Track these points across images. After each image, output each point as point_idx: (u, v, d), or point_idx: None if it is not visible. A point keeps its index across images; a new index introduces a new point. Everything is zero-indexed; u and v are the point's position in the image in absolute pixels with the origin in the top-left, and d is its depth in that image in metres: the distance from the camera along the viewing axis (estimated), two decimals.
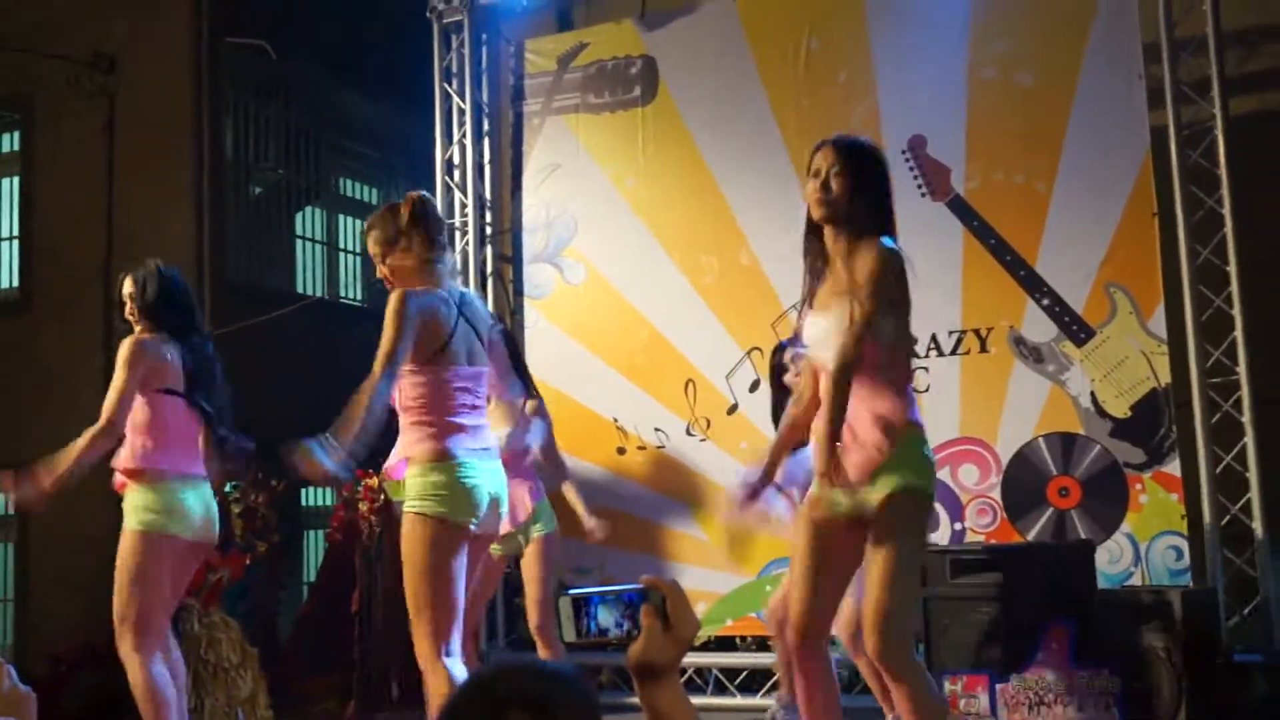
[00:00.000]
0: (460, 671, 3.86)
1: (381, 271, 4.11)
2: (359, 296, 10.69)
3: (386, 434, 4.21)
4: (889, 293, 3.53)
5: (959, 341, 6.27)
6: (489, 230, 7.75)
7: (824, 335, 3.66)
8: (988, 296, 6.23)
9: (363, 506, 6.87)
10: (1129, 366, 5.99)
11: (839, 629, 4.19)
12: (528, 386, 4.82)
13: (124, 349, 4.63)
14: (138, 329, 4.77)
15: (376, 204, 11.10)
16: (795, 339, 4.89)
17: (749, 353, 6.69)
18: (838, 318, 3.59)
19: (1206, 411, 5.83)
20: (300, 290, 9.87)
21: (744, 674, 6.65)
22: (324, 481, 3.88)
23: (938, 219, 6.29)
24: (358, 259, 10.82)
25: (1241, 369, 5.81)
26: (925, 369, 6.26)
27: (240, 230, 9.33)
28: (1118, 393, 6.01)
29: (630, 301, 7.01)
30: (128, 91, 9.07)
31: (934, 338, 6.24)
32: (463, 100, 7.65)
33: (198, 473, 4.75)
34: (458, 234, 7.59)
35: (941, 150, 6.38)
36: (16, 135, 9.77)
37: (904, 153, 6.42)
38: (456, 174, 7.67)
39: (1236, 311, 5.84)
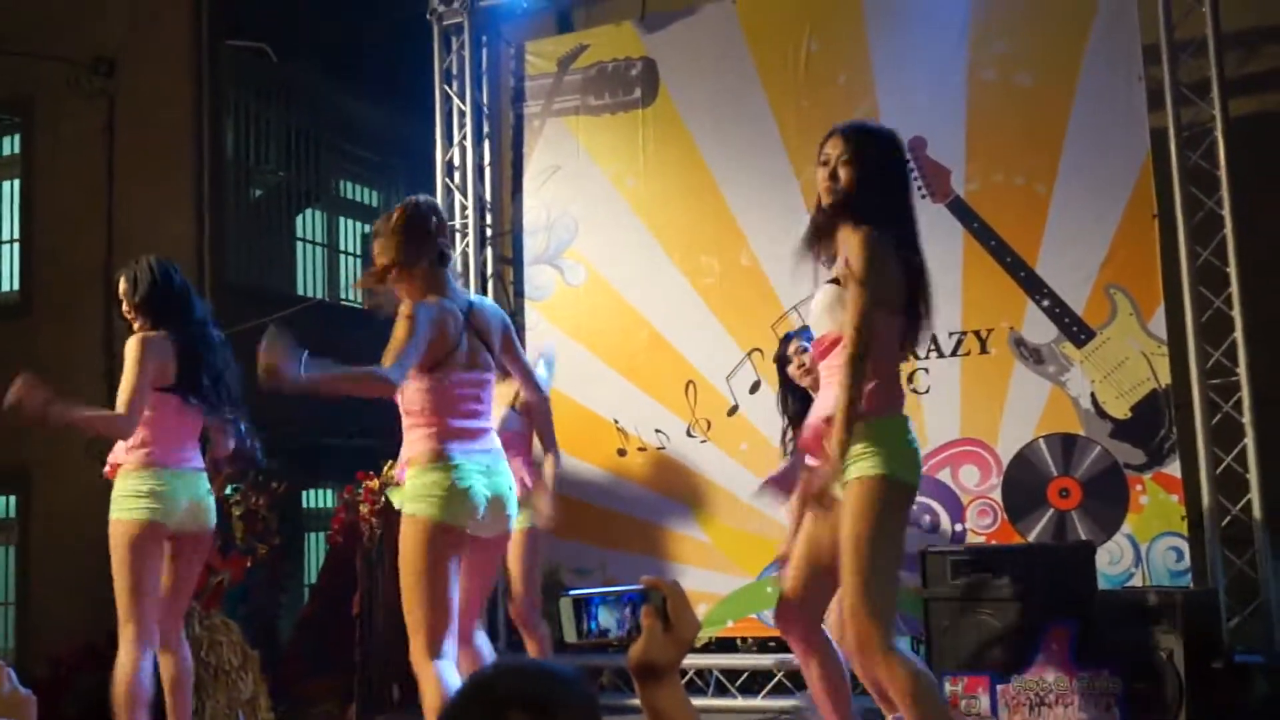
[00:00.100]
0: (450, 675, 3.87)
1: (390, 279, 4.11)
2: (359, 299, 10.69)
3: (393, 440, 4.23)
4: (875, 281, 3.52)
5: (959, 343, 6.27)
6: (489, 232, 7.75)
7: (817, 312, 3.69)
8: (988, 298, 6.23)
9: (364, 509, 6.86)
10: (1129, 367, 5.99)
11: (831, 628, 4.20)
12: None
13: (132, 347, 4.64)
14: (135, 326, 4.77)
15: (377, 206, 11.13)
16: (801, 331, 4.90)
17: (749, 354, 6.69)
18: (827, 295, 3.64)
19: (1207, 412, 5.84)
20: (300, 292, 9.88)
21: (745, 675, 6.65)
22: (266, 374, 3.73)
23: (938, 221, 6.28)
24: (358, 261, 10.83)
25: (1241, 370, 5.81)
26: (926, 370, 6.27)
27: (240, 232, 9.34)
28: (1118, 394, 6.01)
29: (631, 303, 7.01)
30: (128, 93, 9.08)
31: (934, 339, 6.23)
32: (463, 102, 7.65)
33: (188, 465, 4.76)
34: (458, 236, 7.59)
35: (941, 152, 6.38)
36: (16, 138, 9.78)
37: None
38: (457, 176, 7.67)
39: (1236, 312, 5.84)
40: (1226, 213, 5.90)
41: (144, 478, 4.63)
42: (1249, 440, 5.78)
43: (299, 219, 10.22)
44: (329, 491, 9.78)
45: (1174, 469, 5.89)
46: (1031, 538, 6.04)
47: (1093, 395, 6.05)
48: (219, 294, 8.74)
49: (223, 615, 6.20)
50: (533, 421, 5.33)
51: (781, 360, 5.03)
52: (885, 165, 3.71)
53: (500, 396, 5.05)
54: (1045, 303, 6.15)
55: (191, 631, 5.87)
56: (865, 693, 4.30)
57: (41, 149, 9.49)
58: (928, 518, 6.16)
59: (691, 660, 6.35)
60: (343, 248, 10.71)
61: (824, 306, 3.69)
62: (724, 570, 6.60)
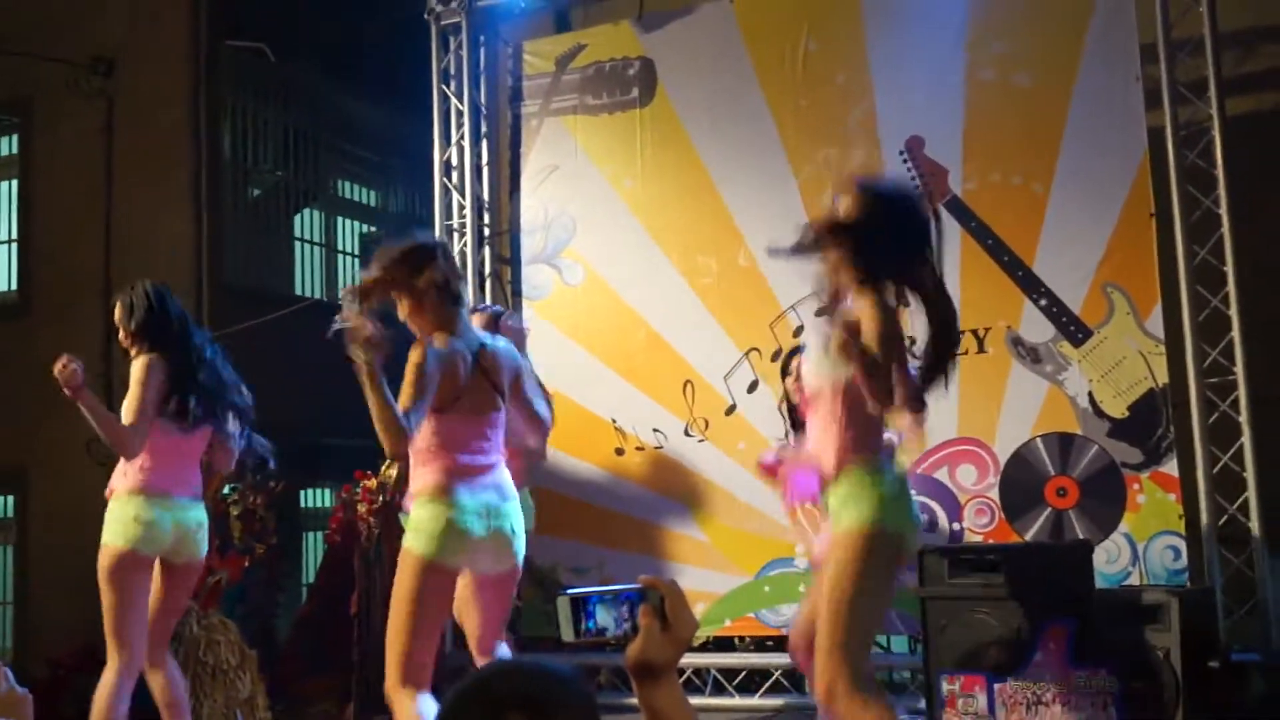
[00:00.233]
0: (429, 709, 3.86)
1: (402, 313, 4.13)
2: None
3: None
4: (881, 346, 3.44)
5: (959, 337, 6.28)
6: (487, 231, 7.75)
7: (813, 363, 3.70)
8: (985, 297, 6.23)
9: (361, 508, 6.86)
10: (1126, 367, 6.00)
11: (795, 649, 4.26)
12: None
13: (139, 367, 4.65)
14: (133, 352, 4.79)
15: (375, 206, 11.14)
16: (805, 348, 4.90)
17: (747, 353, 6.69)
18: (822, 351, 3.63)
19: (1204, 411, 5.84)
20: (299, 292, 9.88)
21: (742, 674, 6.66)
22: (359, 340, 3.76)
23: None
24: (356, 261, 10.83)
25: (1239, 369, 5.82)
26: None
27: (239, 232, 9.34)
28: (1115, 393, 6.02)
29: (628, 302, 7.01)
30: (126, 94, 9.08)
31: None
32: (461, 102, 7.65)
33: (181, 494, 4.76)
34: (455, 235, 7.59)
35: (939, 151, 6.39)
36: (15, 138, 9.78)
37: (901, 153, 6.43)
38: (454, 175, 7.67)
39: (1233, 311, 5.84)
40: (1224, 212, 5.91)
41: (134, 505, 4.64)
42: (1246, 439, 5.78)
43: (297, 219, 10.22)
44: (327, 491, 9.78)
45: (1171, 468, 5.90)
46: (1029, 537, 6.04)
47: (1090, 394, 6.06)
48: (217, 294, 8.76)
49: (220, 614, 6.20)
50: (521, 457, 5.28)
51: (783, 372, 5.02)
52: (892, 222, 3.64)
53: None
54: (1043, 302, 6.16)
55: (189, 631, 5.87)
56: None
57: (40, 149, 9.49)
58: (925, 517, 6.16)
59: (689, 659, 6.35)
60: (341, 247, 10.70)
61: (811, 366, 3.73)
62: (722, 569, 6.61)
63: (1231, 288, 5.85)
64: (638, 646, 1.74)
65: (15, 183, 9.69)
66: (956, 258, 6.28)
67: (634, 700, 1.78)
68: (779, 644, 6.47)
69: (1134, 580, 5.84)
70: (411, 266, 4.04)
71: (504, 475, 4.15)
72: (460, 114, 7.65)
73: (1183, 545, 5.83)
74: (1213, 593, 5.58)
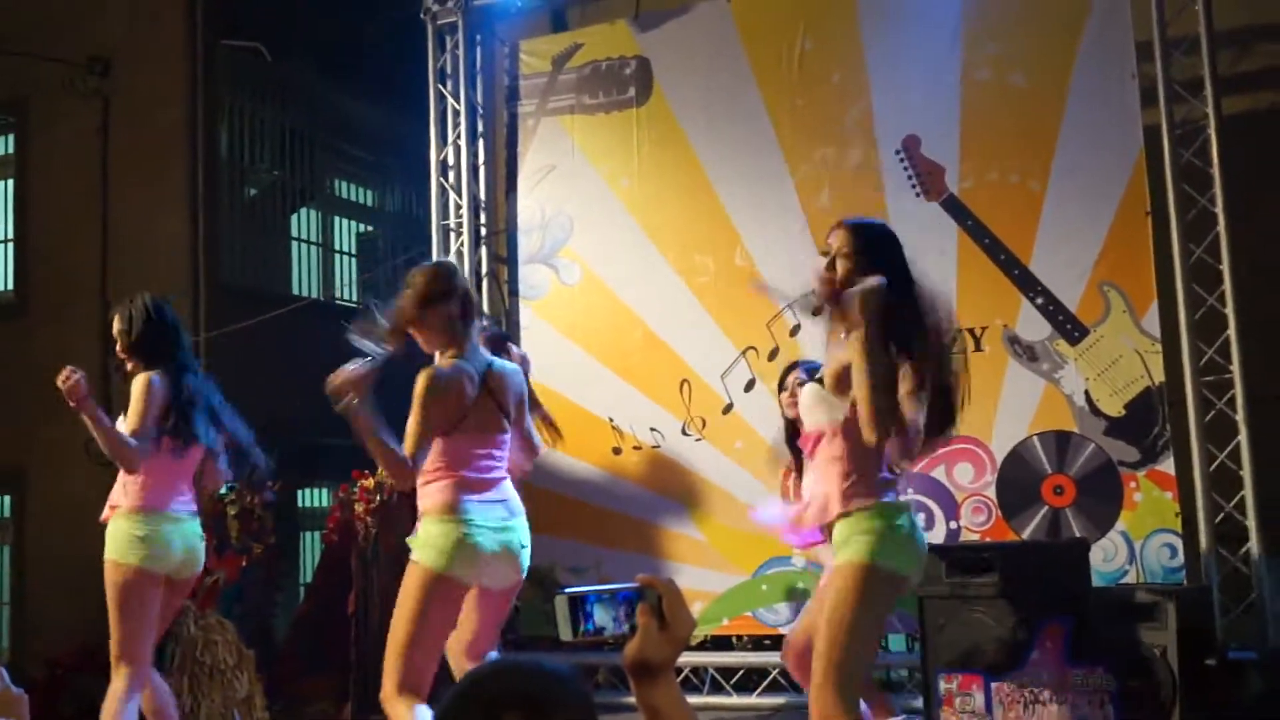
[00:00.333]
0: (424, 715, 3.89)
1: (412, 330, 4.17)
2: (354, 297, 10.69)
3: None
4: (875, 380, 3.47)
5: (953, 340, 6.26)
6: (484, 231, 7.75)
7: (808, 404, 3.72)
8: (982, 295, 6.23)
9: (359, 508, 6.86)
10: (1123, 365, 6.01)
11: (786, 655, 4.31)
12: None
13: (140, 384, 4.65)
14: (130, 366, 4.79)
15: (372, 205, 11.13)
16: (804, 363, 4.90)
17: (744, 352, 6.69)
18: (809, 395, 3.70)
19: (1200, 410, 5.85)
20: (295, 292, 9.87)
21: (740, 673, 6.66)
22: (345, 387, 3.89)
23: (932, 218, 6.30)
24: (353, 260, 10.83)
25: (1235, 367, 5.83)
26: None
27: (235, 232, 9.34)
28: (1112, 391, 6.02)
29: (625, 302, 7.01)
30: (123, 94, 9.08)
31: None
32: (457, 101, 7.65)
33: (182, 508, 4.77)
34: (452, 235, 7.59)
35: (936, 150, 6.40)
36: (11, 138, 9.77)
37: (898, 152, 6.44)
38: (451, 175, 7.67)
39: (1230, 310, 5.85)
40: (1219, 210, 5.92)
41: (140, 522, 4.65)
42: (1242, 437, 5.79)
43: (294, 218, 10.22)
44: (324, 491, 9.78)
45: (1168, 466, 5.91)
46: (1026, 535, 6.05)
47: (1086, 393, 6.07)
48: (213, 294, 8.75)
49: (218, 614, 6.19)
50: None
51: (780, 387, 5.03)
52: (882, 261, 3.65)
53: None
54: (1039, 300, 6.16)
55: (186, 631, 5.87)
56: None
57: (37, 149, 9.48)
58: (922, 515, 6.17)
59: (687, 658, 6.35)
60: (337, 247, 10.70)
61: (807, 407, 3.74)
62: (719, 568, 6.61)
63: (1228, 286, 5.86)
64: (635, 645, 1.74)
65: (11, 182, 9.69)
66: (953, 256, 6.30)
67: (632, 699, 1.78)
68: (776, 643, 6.47)
69: (1131, 578, 5.85)
70: (432, 298, 4.10)
71: (511, 491, 4.20)
72: (457, 113, 7.65)
73: (1179, 543, 5.84)
74: (1209, 591, 5.58)
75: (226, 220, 9.20)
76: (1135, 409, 5.98)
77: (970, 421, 6.20)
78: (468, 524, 3.99)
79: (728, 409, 6.72)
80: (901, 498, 3.72)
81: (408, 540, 4.18)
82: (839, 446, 3.60)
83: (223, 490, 6.67)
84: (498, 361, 4.26)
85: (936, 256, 6.18)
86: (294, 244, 10.16)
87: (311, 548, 9.54)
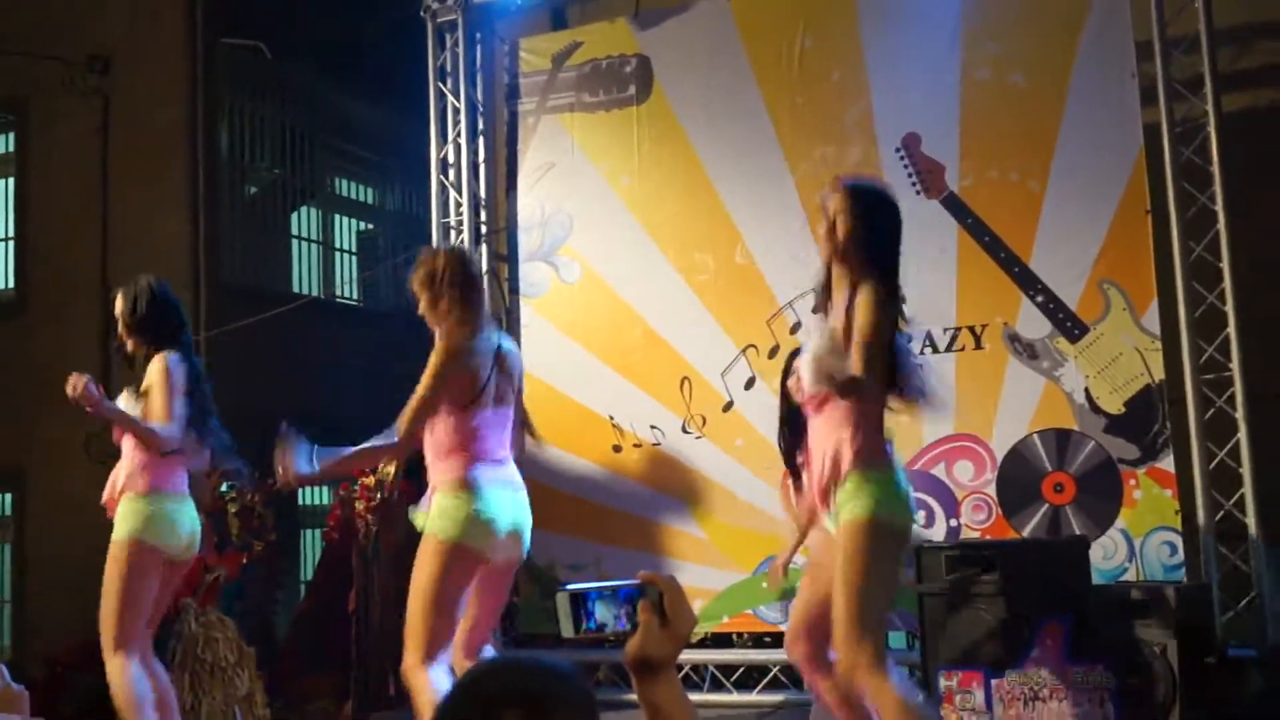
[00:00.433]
0: (443, 680, 3.95)
1: (422, 310, 4.25)
2: (354, 296, 10.70)
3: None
4: (880, 336, 3.66)
5: (954, 338, 6.28)
6: (484, 229, 7.74)
7: (807, 361, 3.78)
8: (982, 293, 6.24)
9: (360, 505, 6.87)
10: (1123, 363, 6.01)
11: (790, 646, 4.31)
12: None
13: (158, 369, 4.66)
14: (131, 345, 4.80)
15: (372, 203, 11.13)
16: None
17: (744, 350, 6.69)
18: (819, 345, 3.76)
19: (1200, 407, 5.85)
20: (296, 290, 9.87)
21: (740, 670, 6.66)
22: (285, 479, 4.11)
23: (932, 216, 6.30)
24: (353, 259, 10.83)
25: (1234, 365, 5.83)
26: (920, 366, 6.26)
27: (236, 230, 9.34)
28: (1112, 389, 6.03)
29: (625, 299, 7.01)
30: (123, 92, 9.08)
31: (929, 335, 6.24)
32: (457, 99, 7.65)
33: (183, 489, 4.80)
34: (452, 233, 7.59)
35: (935, 148, 6.39)
36: (11, 137, 9.77)
37: (898, 150, 6.44)
38: (451, 173, 7.67)
39: (1229, 308, 5.85)
40: (1219, 208, 5.92)
41: (150, 502, 4.67)
42: (1242, 435, 5.79)
43: (294, 217, 10.22)
44: (325, 489, 9.78)
45: (1168, 464, 5.91)
46: (1026, 533, 6.05)
47: (1086, 390, 6.07)
48: (214, 292, 8.75)
49: (219, 612, 6.20)
50: None
51: (785, 372, 5.04)
52: (881, 221, 3.86)
53: None
54: (1039, 298, 6.16)
55: (187, 628, 5.88)
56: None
57: (36, 148, 9.49)
58: (922, 513, 6.17)
59: (687, 655, 6.35)
60: (338, 245, 10.70)
61: (813, 358, 3.79)
62: (719, 566, 6.61)
63: (1228, 284, 5.86)
64: (637, 642, 1.75)
65: (11, 181, 9.69)
66: (953, 254, 6.30)
67: (633, 696, 1.79)
68: (776, 640, 6.47)
69: (1130, 576, 5.85)
70: (451, 280, 4.21)
71: (515, 469, 4.31)
72: (457, 111, 7.65)
73: (1179, 541, 5.84)
74: (1209, 588, 5.58)
75: (227, 219, 9.20)
76: (1135, 407, 5.98)
77: (970, 419, 6.24)
78: (482, 498, 4.09)
79: (728, 407, 6.72)
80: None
81: (413, 514, 4.24)
82: (848, 404, 3.69)
83: (224, 488, 6.69)
84: (507, 342, 4.37)
85: (937, 254, 6.19)
86: (294, 242, 10.16)
87: (312, 545, 9.54)
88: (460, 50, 7.65)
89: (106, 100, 9.08)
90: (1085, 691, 4.84)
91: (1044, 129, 6.21)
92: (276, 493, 7.00)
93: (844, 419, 3.71)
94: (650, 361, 6.90)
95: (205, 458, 5.00)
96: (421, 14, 7.69)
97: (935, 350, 6.28)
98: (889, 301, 3.70)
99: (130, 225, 8.86)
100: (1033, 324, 6.17)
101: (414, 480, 5.77)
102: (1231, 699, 5.12)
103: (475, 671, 1.63)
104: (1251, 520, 5.74)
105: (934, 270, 6.09)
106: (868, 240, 3.80)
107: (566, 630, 1.79)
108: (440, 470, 4.15)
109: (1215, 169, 5.94)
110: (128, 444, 4.74)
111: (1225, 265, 5.87)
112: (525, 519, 4.29)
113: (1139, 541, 5.90)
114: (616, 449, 6.94)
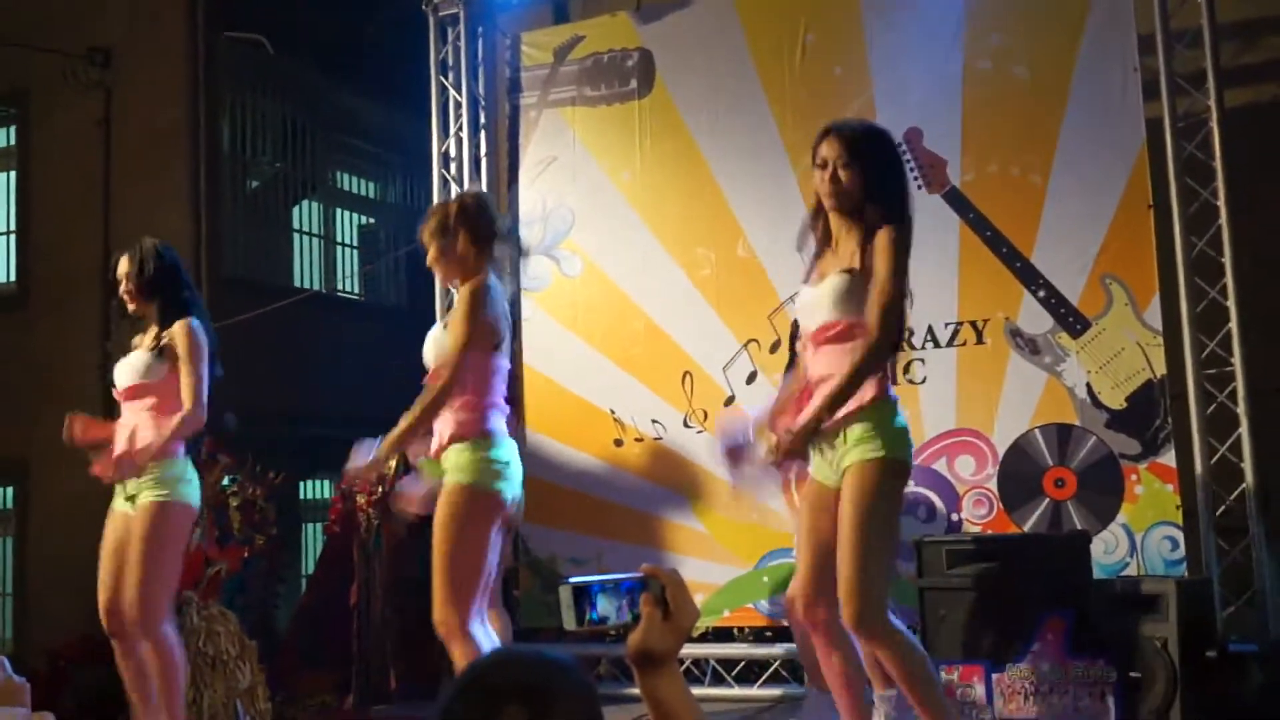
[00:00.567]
0: (485, 640, 3.96)
1: (430, 260, 4.29)
2: (356, 290, 10.70)
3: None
4: (903, 279, 3.64)
5: (955, 333, 6.28)
6: None
7: (812, 305, 3.74)
8: (984, 288, 6.23)
9: (361, 499, 6.87)
10: (1125, 358, 6.00)
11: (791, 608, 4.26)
12: None
13: (188, 340, 4.71)
14: (132, 308, 4.83)
15: (374, 197, 11.13)
16: None
17: (746, 345, 6.69)
18: (830, 288, 3.72)
19: (1202, 403, 5.85)
20: (297, 284, 9.88)
21: (741, 664, 6.67)
22: (362, 477, 4.24)
23: (934, 211, 6.29)
24: (355, 252, 10.83)
25: (1236, 360, 5.82)
26: (921, 361, 6.28)
27: (237, 224, 9.34)
28: (1113, 384, 6.02)
29: (627, 294, 7.01)
30: (124, 86, 9.07)
31: (930, 330, 6.24)
32: (459, 93, 7.64)
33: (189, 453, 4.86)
34: None
35: (937, 143, 6.39)
36: (12, 130, 9.77)
37: (900, 145, 6.41)
38: (453, 167, 7.66)
39: (1231, 303, 5.85)
40: (1222, 203, 5.91)
41: (180, 464, 4.75)
42: (1243, 430, 5.79)
43: (295, 210, 10.22)
44: (326, 482, 9.79)
45: (1169, 459, 5.90)
46: (1027, 528, 6.05)
47: (1088, 385, 6.06)
48: (215, 286, 8.75)
49: (220, 605, 6.20)
50: None
51: (793, 336, 5.04)
52: (885, 163, 3.81)
53: None
54: (1041, 293, 6.16)
55: (189, 622, 5.88)
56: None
57: (37, 141, 9.49)
58: (923, 508, 6.17)
59: (688, 650, 6.36)
60: (339, 239, 10.70)
61: (836, 296, 3.73)
62: (720, 560, 6.61)
63: (1230, 279, 5.86)
64: (639, 635, 1.75)
65: (12, 175, 9.69)
66: (955, 249, 6.29)
67: (634, 690, 1.79)
68: (778, 634, 6.49)
69: (1132, 571, 5.85)
70: (468, 226, 4.26)
71: None
72: (458, 105, 7.64)
73: (1180, 536, 5.84)
74: (1210, 583, 5.58)
75: (228, 212, 9.21)
76: (1137, 402, 5.98)
77: (972, 414, 6.24)
78: (504, 447, 4.14)
79: (730, 401, 6.72)
80: None
81: (420, 462, 4.23)
82: (859, 342, 3.65)
83: (225, 482, 6.70)
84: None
85: (938, 249, 6.18)
86: (296, 236, 10.16)
87: (313, 539, 9.55)
88: (462, 44, 7.65)
89: (108, 94, 9.07)
90: (1086, 686, 4.84)
91: (1046, 124, 6.20)
92: (277, 487, 7.04)
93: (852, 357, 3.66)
94: (652, 356, 6.91)
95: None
96: (423, 7, 7.68)
97: (937, 345, 6.28)
98: (908, 245, 3.67)
99: (131, 219, 8.85)
100: (1034, 319, 6.17)
101: None
102: (1232, 694, 5.12)
103: (477, 665, 1.63)
104: (1252, 515, 5.74)
105: (936, 265, 6.08)
106: (879, 184, 3.73)
107: (569, 623, 1.79)
108: (461, 419, 4.12)
109: (1217, 164, 5.93)
110: (155, 412, 4.75)
111: (1227, 260, 5.87)
112: (523, 470, 4.34)
113: (1140, 536, 5.90)
114: (618, 443, 6.94)
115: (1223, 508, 5.81)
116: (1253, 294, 5.86)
